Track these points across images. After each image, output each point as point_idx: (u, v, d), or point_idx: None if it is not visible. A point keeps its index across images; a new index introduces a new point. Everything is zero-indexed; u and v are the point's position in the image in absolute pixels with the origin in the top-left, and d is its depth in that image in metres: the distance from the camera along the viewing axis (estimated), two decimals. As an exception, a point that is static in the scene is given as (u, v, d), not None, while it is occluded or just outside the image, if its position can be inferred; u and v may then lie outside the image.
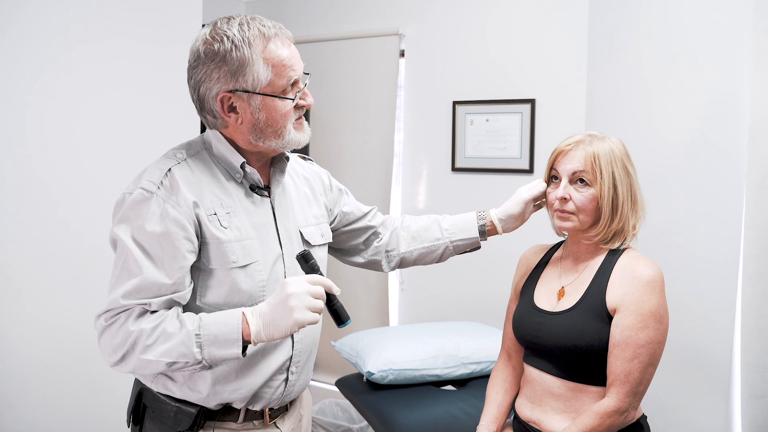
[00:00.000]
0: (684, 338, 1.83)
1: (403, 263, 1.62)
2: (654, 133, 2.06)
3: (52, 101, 2.00)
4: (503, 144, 2.94)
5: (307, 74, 1.29)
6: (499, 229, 1.56)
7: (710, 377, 1.81)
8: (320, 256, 1.42)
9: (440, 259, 1.60)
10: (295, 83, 1.26)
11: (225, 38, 1.20)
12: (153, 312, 1.18)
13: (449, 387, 2.37)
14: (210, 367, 1.21)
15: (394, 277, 3.27)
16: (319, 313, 1.17)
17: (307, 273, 1.22)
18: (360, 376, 2.40)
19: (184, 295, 1.21)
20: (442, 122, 3.10)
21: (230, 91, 1.22)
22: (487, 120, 2.97)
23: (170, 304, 1.20)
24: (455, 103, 3.04)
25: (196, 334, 1.15)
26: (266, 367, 1.29)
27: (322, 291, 1.18)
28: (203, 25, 1.30)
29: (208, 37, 1.22)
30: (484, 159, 2.99)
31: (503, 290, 2.92)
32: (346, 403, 3.13)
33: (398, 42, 3.14)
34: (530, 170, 2.89)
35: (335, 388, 2.95)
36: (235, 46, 1.19)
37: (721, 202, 1.78)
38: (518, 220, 1.54)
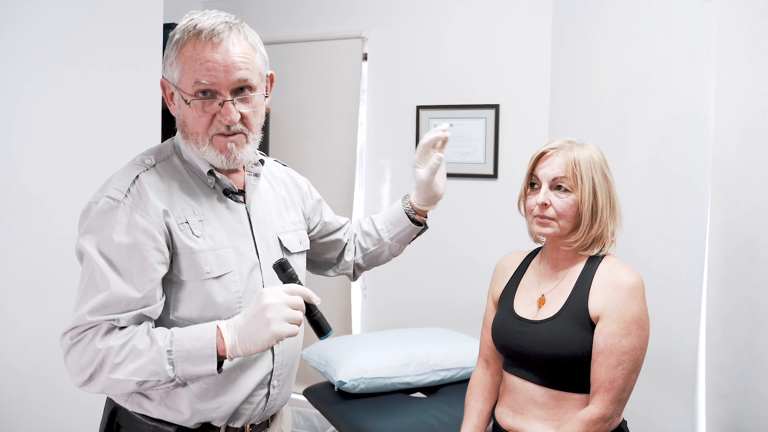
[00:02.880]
0: (650, 340, 1.86)
1: (360, 270, 1.62)
2: (618, 139, 2.10)
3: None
4: (467, 149, 2.95)
5: (242, 90, 1.17)
6: (422, 208, 1.52)
7: (675, 378, 1.84)
8: (298, 264, 1.38)
9: (392, 256, 1.60)
10: (212, 92, 1.15)
11: (177, 26, 1.18)
12: (122, 328, 1.11)
13: (418, 394, 2.36)
14: (184, 384, 1.16)
15: (356, 283, 3.24)
16: (299, 325, 1.12)
17: (284, 282, 1.17)
18: (328, 384, 2.36)
19: (155, 309, 1.15)
20: (405, 127, 3.09)
21: (165, 79, 1.21)
22: (451, 125, 2.97)
23: (140, 320, 1.13)
24: (419, 107, 3.03)
25: (168, 351, 1.09)
26: (246, 382, 1.24)
27: (300, 301, 1.12)
28: None
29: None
30: (448, 164, 2.93)
31: (466, 295, 2.95)
32: (309, 411, 3.08)
33: (361, 45, 3.12)
34: (494, 175, 2.91)
35: (298, 397, 2.90)
36: (172, 35, 1.18)
37: (686, 206, 1.82)
38: (430, 191, 1.48)
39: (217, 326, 1.12)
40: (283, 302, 1.10)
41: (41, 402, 1.97)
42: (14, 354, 1.91)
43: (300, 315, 1.12)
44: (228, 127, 1.17)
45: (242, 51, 1.17)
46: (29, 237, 1.95)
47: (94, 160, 2.06)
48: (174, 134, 1.29)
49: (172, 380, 1.10)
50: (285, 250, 1.34)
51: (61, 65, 2.01)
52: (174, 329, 1.13)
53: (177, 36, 1.17)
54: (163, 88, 1.22)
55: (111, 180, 1.18)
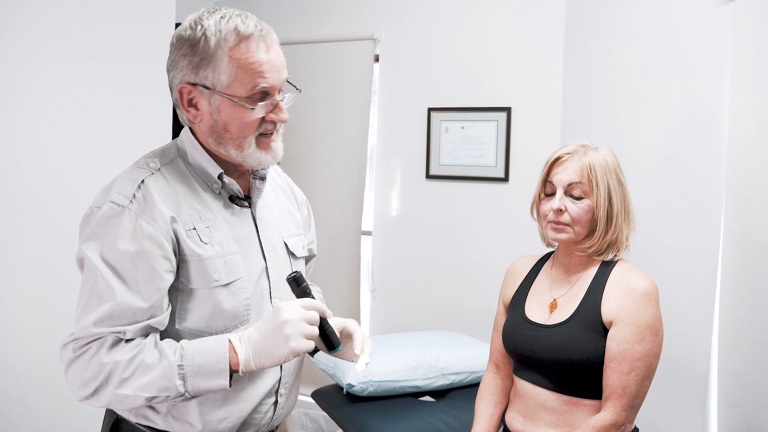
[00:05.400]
0: (662, 347, 1.84)
1: None
2: (632, 143, 2.08)
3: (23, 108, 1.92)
4: (478, 152, 2.94)
5: (294, 86, 1.20)
6: None
7: (687, 386, 1.82)
8: (301, 269, 1.36)
9: None
10: (267, 93, 1.15)
11: (200, 27, 1.11)
12: (128, 341, 1.09)
13: (427, 398, 2.35)
14: (193, 397, 1.13)
15: (365, 285, 3.23)
16: (314, 340, 1.10)
17: (298, 296, 1.14)
18: (337, 387, 2.36)
19: (162, 320, 1.12)
20: (416, 129, 3.09)
21: (192, 84, 1.13)
22: (463, 127, 2.96)
23: (147, 331, 1.10)
24: (430, 109, 3.03)
25: (179, 365, 1.07)
26: (255, 392, 1.21)
27: (317, 316, 1.10)
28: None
29: (188, 23, 1.14)
30: (459, 167, 2.99)
31: (476, 299, 2.94)
32: (315, 413, 3.08)
33: (373, 47, 3.11)
34: (505, 178, 2.90)
35: (306, 399, 2.90)
36: (206, 37, 1.10)
37: (699, 210, 1.80)
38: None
39: (229, 340, 1.10)
40: (300, 318, 1.08)
41: (46, 403, 1.97)
42: (19, 355, 1.91)
43: (316, 330, 1.10)
44: (273, 126, 1.18)
45: (280, 49, 1.17)
46: (36, 237, 1.94)
47: (103, 160, 2.05)
48: (174, 136, 1.27)
49: (182, 395, 1.08)
50: (291, 254, 1.32)
51: (67, 63, 2.00)
52: (183, 342, 1.10)
53: (214, 39, 1.10)
54: (181, 93, 1.15)
55: (114, 184, 1.14)
